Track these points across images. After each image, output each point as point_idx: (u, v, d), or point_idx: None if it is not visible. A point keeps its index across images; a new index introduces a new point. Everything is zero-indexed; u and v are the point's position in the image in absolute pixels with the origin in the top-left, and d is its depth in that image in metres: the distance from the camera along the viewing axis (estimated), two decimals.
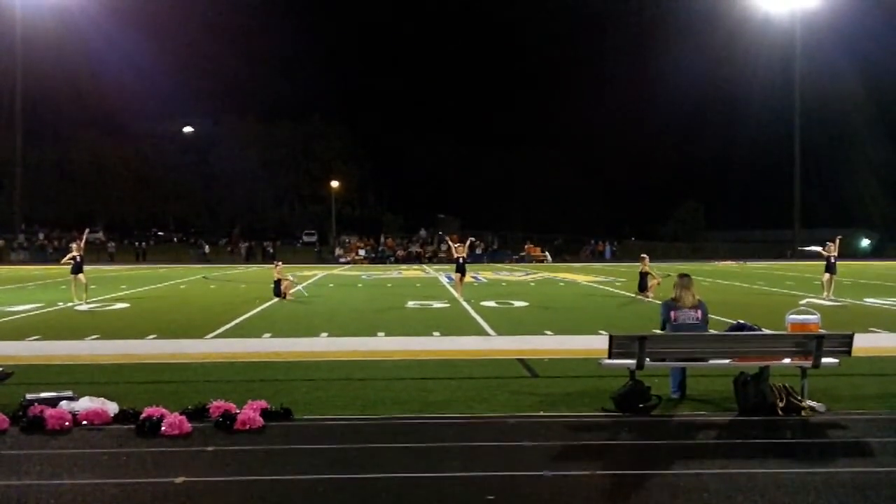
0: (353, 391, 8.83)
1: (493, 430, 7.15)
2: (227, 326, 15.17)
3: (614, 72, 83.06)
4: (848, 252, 48.43)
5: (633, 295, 21.94)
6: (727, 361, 8.11)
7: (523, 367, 10.42)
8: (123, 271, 40.85)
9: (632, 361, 7.73)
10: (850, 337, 7.97)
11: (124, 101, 73.12)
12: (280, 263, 23.35)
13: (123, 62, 69.53)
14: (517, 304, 20.15)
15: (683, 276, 8.78)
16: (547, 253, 60.19)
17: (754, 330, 8.60)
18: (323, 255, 62.64)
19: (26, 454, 6.44)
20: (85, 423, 7.24)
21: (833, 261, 21.60)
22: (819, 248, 22.61)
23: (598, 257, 63.37)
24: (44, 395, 7.74)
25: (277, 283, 21.46)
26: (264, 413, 7.35)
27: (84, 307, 19.23)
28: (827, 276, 21.56)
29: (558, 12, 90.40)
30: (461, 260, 22.19)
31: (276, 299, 20.79)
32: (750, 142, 74.07)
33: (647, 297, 20.99)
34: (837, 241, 22.35)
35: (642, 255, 22.68)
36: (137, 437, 6.91)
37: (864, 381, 9.25)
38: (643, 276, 21.72)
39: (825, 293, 21.38)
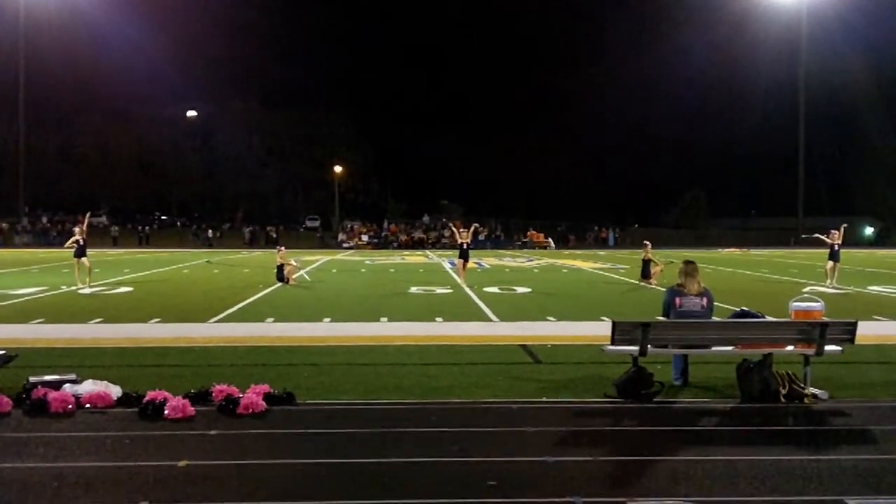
0: (355, 376, 8.84)
1: (496, 416, 7.15)
2: (231, 311, 15.18)
3: (619, 59, 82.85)
4: (851, 240, 48.37)
5: (637, 282, 21.91)
6: (730, 348, 8.09)
7: (526, 353, 10.42)
8: (126, 255, 40.90)
9: (634, 348, 7.72)
10: (854, 324, 7.95)
11: (128, 85, 73.22)
12: (283, 248, 23.37)
13: (127, 47, 69.53)
14: (520, 290, 20.14)
15: (689, 262, 8.75)
16: (550, 239, 60.14)
17: (757, 317, 8.57)
18: (326, 241, 62.68)
19: (29, 437, 6.45)
20: (88, 406, 7.25)
21: (836, 248, 21.60)
22: (823, 237, 22.57)
23: (602, 244, 63.33)
24: (47, 378, 7.74)
25: (280, 267, 21.47)
26: (267, 397, 7.35)
27: (87, 291, 19.25)
28: (830, 263, 21.54)
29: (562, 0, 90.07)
30: (464, 246, 22.16)
31: (279, 284, 20.79)
32: (754, 129, 73.95)
33: (651, 283, 20.98)
34: (842, 229, 22.32)
35: (645, 242, 22.64)
36: (140, 420, 6.91)
37: (867, 369, 9.25)
38: (646, 263, 21.71)
39: (828, 281, 21.35)
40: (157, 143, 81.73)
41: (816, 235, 23.80)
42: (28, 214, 65.91)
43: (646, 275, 21.60)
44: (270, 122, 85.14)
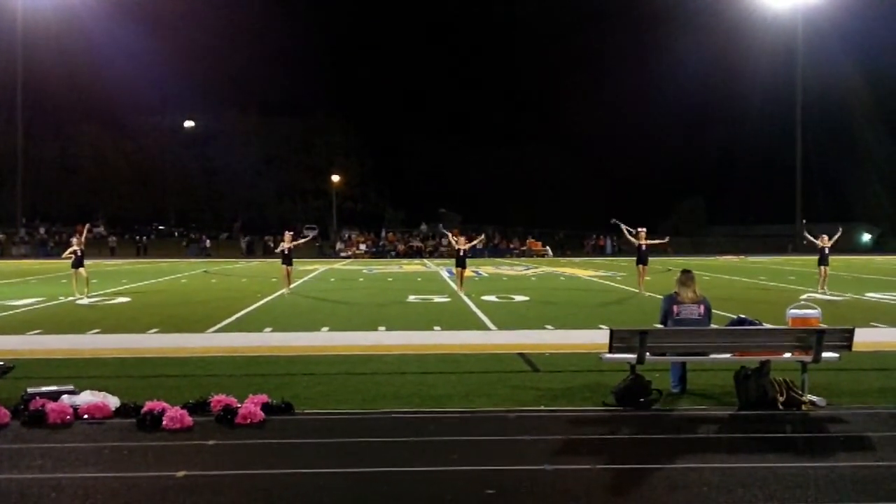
0: (353, 385, 8.84)
1: (494, 425, 7.16)
2: (229, 320, 15.18)
3: (617, 66, 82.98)
4: (849, 247, 48.37)
5: (635, 290, 21.85)
6: (728, 356, 8.11)
7: (524, 362, 10.43)
8: (124, 265, 40.85)
9: (632, 356, 7.73)
10: (851, 331, 7.96)
11: (125, 95, 73.00)
12: (289, 233, 22.89)
13: (124, 56, 69.42)
14: (518, 298, 20.15)
15: (685, 271, 8.80)
16: (548, 247, 60.13)
17: (755, 324, 8.59)
18: (324, 250, 62.61)
19: (28, 448, 6.45)
20: (86, 416, 7.25)
21: (826, 252, 21.66)
22: (813, 239, 22.57)
23: (599, 252, 63.31)
24: (45, 389, 7.74)
25: (288, 251, 21.28)
26: (265, 407, 7.36)
27: (85, 301, 19.24)
28: (821, 269, 21.58)
29: (560, 7, 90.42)
30: (462, 254, 22.16)
31: (278, 293, 20.76)
32: (751, 136, 74.04)
33: (639, 288, 21.19)
34: (825, 238, 22.32)
35: (639, 230, 22.09)
36: (139, 430, 6.92)
37: (864, 376, 9.25)
38: (643, 250, 21.40)
39: (821, 287, 21.32)
40: (155, 153, 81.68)
41: (809, 237, 23.45)
42: (25, 225, 65.79)
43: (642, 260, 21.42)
44: (268, 131, 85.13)
